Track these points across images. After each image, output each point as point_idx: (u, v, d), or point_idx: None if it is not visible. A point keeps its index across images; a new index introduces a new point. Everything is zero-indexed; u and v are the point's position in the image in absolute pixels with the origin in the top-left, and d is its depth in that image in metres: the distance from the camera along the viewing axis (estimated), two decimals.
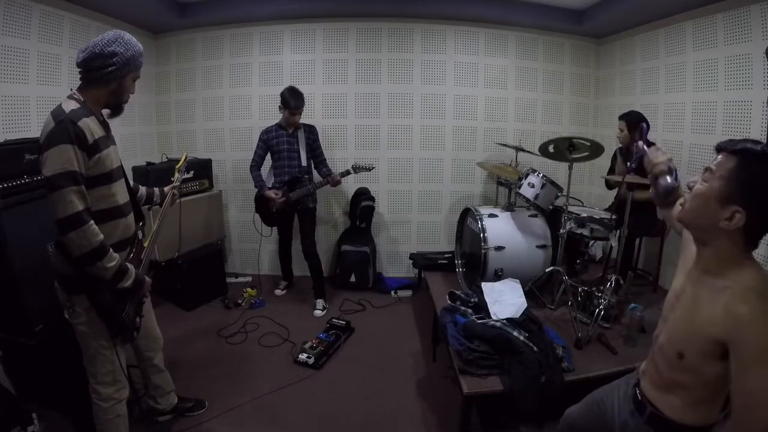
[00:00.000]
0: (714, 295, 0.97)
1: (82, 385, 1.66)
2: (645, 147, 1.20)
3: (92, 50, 1.40)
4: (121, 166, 1.64)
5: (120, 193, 1.58)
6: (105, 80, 1.45)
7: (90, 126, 1.40)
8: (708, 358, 0.98)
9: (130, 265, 1.55)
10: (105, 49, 1.40)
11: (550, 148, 2.73)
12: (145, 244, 1.75)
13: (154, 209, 2.76)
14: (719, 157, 0.98)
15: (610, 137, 3.64)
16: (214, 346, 2.84)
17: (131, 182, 1.90)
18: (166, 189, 2.00)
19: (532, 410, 1.81)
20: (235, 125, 3.91)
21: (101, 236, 1.41)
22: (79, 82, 1.48)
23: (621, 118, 2.90)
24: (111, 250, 1.45)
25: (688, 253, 1.11)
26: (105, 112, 1.56)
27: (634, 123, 2.79)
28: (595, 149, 2.60)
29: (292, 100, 3.03)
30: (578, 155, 2.62)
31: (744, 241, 0.95)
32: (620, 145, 3.04)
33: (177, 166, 2.09)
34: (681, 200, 1.07)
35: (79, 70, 1.45)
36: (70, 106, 1.39)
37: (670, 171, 1.13)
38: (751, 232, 0.94)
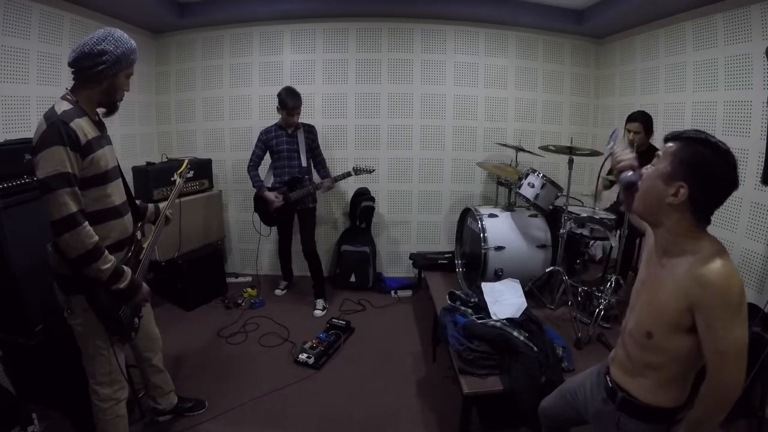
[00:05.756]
0: (675, 270, 1.04)
1: (82, 385, 1.66)
2: (615, 148, 1.29)
3: (81, 50, 1.39)
4: (118, 166, 1.63)
5: (116, 194, 1.57)
6: (96, 79, 1.43)
7: (83, 126, 1.40)
8: (675, 332, 1.04)
9: (125, 267, 1.54)
10: (94, 47, 1.39)
11: (551, 146, 2.73)
12: (144, 245, 1.75)
13: (147, 226, 2.66)
14: (666, 144, 1.07)
15: None
16: (214, 346, 2.84)
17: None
18: (161, 205, 1.96)
19: (533, 410, 1.80)
20: (235, 125, 3.91)
21: (96, 238, 1.41)
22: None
23: (636, 119, 2.74)
24: (106, 252, 1.45)
25: (650, 245, 1.19)
26: (100, 110, 1.54)
27: (650, 124, 2.74)
28: (595, 153, 2.60)
29: (289, 100, 3.03)
30: (579, 152, 2.61)
31: (693, 216, 1.03)
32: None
33: (179, 171, 2.07)
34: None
35: (71, 70, 1.44)
36: (63, 107, 1.38)
37: (632, 168, 1.18)
38: (698, 206, 1.02)
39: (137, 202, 1.89)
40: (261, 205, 3.29)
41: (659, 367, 1.10)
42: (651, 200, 1.07)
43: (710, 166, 0.99)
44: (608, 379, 1.24)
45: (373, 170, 3.19)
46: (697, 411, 1.04)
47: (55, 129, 1.32)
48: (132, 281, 1.55)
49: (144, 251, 1.73)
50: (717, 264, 0.97)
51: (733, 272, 0.98)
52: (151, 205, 1.96)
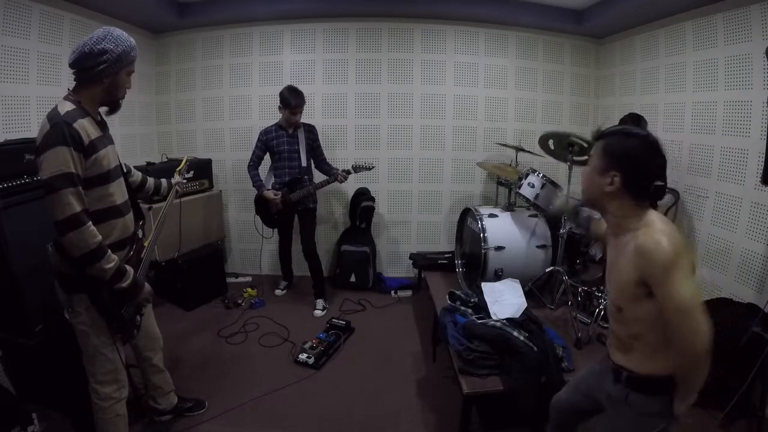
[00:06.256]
0: (624, 247, 1.17)
1: (82, 385, 1.66)
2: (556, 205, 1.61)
3: (82, 50, 1.40)
4: (119, 165, 1.64)
5: (118, 193, 1.58)
6: (98, 78, 1.44)
7: (86, 127, 1.41)
8: (638, 302, 1.14)
9: (128, 267, 1.55)
10: (94, 47, 1.40)
11: (550, 144, 2.72)
12: (145, 243, 1.76)
13: (154, 209, 2.79)
14: (596, 143, 1.24)
15: None
16: (214, 346, 2.84)
17: (140, 173, 1.93)
18: (173, 181, 2.07)
19: (532, 410, 1.80)
20: (235, 125, 3.91)
21: (99, 237, 1.42)
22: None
23: (625, 124, 2.81)
24: (109, 251, 1.46)
25: (608, 233, 1.33)
26: (103, 109, 1.55)
27: (639, 124, 2.77)
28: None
29: (292, 99, 3.02)
30: (578, 158, 2.61)
31: (631, 199, 1.16)
32: None
33: (178, 169, 2.12)
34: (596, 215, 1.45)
35: (72, 71, 1.44)
36: (65, 107, 1.39)
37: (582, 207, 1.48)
38: (632, 188, 1.16)
39: (148, 178, 1.97)
40: (262, 207, 3.29)
41: (639, 337, 1.18)
42: (593, 193, 1.23)
43: (635, 152, 1.15)
44: (612, 363, 1.30)
45: (373, 167, 3.18)
46: (677, 371, 1.13)
47: (59, 129, 1.33)
48: (134, 281, 1.55)
49: (145, 249, 1.74)
50: (648, 232, 1.10)
51: (663, 235, 1.08)
52: (163, 180, 2.04)
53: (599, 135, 1.24)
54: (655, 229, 1.10)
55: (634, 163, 1.15)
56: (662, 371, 1.16)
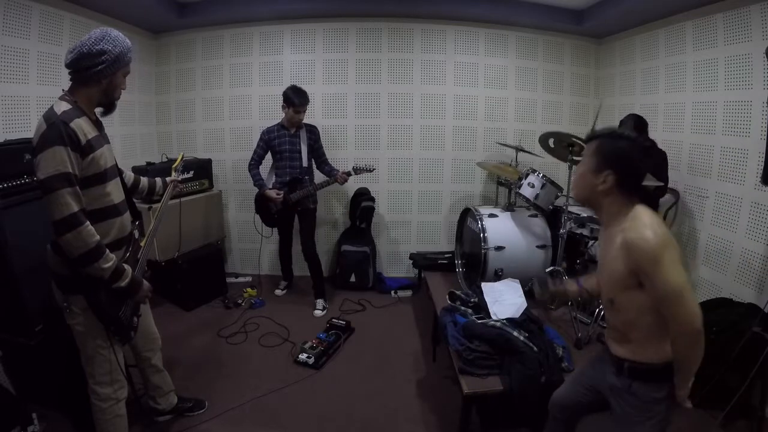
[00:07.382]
0: (614, 239, 1.23)
1: (82, 385, 1.66)
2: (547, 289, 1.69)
3: (80, 50, 1.40)
4: (116, 165, 1.64)
5: (115, 192, 1.58)
6: (96, 79, 1.45)
7: (82, 126, 1.41)
8: (629, 292, 1.21)
9: (126, 266, 1.55)
10: (93, 48, 1.40)
11: (550, 143, 2.72)
12: (142, 243, 1.76)
13: (153, 208, 2.79)
14: (588, 144, 1.32)
15: None
16: (214, 346, 2.84)
17: (133, 174, 1.92)
18: (168, 179, 2.06)
19: (532, 410, 1.80)
20: (235, 125, 3.91)
21: (97, 237, 1.42)
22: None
23: (625, 124, 2.77)
24: (107, 251, 1.46)
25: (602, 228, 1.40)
26: (98, 110, 1.55)
27: (643, 126, 2.77)
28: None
29: (296, 97, 3.04)
30: (578, 158, 2.62)
31: (622, 195, 1.24)
32: None
33: (174, 165, 2.13)
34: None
35: (69, 71, 1.44)
36: (62, 107, 1.39)
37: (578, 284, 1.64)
38: (624, 186, 1.24)
39: (142, 178, 1.97)
40: (262, 205, 3.29)
41: (633, 324, 1.24)
42: (586, 191, 1.30)
43: (627, 152, 1.23)
44: (611, 355, 1.35)
45: (373, 169, 3.19)
46: (676, 355, 1.18)
47: (56, 129, 1.33)
48: (133, 279, 1.55)
49: (142, 249, 1.74)
50: (634, 226, 1.17)
51: (647, 228, 1.14)
52: (158, 179, 2.04)
53: (592, 136, 1.32)
54: (641, 222, 1.16)
55: (627, 162, 1.23)
56: (661, 358, 1.22)
